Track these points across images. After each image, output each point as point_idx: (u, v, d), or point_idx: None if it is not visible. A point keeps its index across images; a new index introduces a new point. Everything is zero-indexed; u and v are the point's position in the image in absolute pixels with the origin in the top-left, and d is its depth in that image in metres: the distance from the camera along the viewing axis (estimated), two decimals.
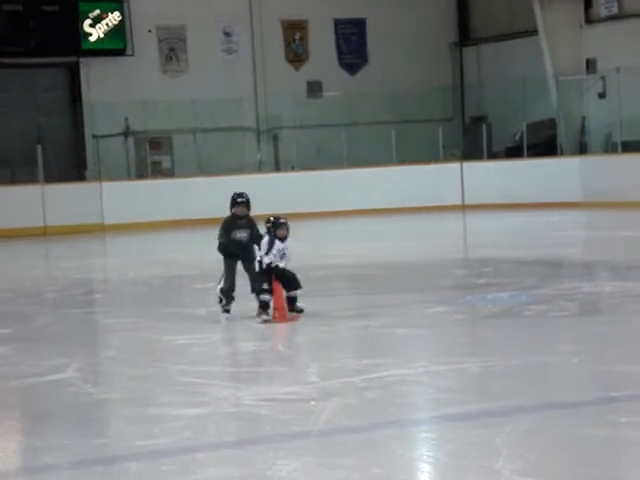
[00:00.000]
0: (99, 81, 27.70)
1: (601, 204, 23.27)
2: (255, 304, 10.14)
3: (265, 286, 10.02)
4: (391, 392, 7.15)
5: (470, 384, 7.38)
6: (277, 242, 10.10)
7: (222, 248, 10.63)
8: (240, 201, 10.60)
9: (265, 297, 10.02)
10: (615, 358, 7.95)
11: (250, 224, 10.62)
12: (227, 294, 10.50)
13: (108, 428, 6.87)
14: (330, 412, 6.65)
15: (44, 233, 24.14)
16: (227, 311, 10.53)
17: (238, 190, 10.82)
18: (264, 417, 6.62)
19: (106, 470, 5.84)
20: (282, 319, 10.00)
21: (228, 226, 10.63)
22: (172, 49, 28.81)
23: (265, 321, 9.95)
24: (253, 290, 10.29)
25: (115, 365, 8.84)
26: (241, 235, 10.51)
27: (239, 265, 10.58)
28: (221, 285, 10.56)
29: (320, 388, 7.42)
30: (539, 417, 6.38)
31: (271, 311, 10.03)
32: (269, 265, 10.03)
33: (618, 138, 24.74)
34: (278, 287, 10.07)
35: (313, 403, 6.92)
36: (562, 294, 11.13)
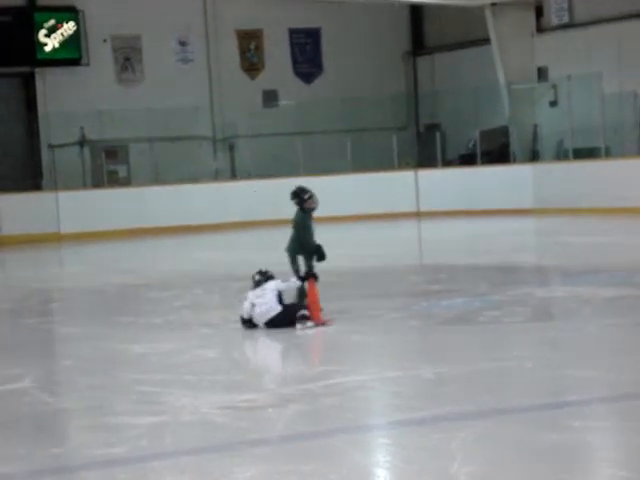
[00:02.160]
0: (54, 91, 27.55)
1: (553, 210, 23.51)
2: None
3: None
4: (347, 398, 7.20)
5: (425, 390, 7.44)
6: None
7: (321, 253, 10.49)
8: (308, 196, 10.62)
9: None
10: (567, 363, 8.05)
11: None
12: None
13: (64, 437, 6.86)
14: (287, 419, 6.69)
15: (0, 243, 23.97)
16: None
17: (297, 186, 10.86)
18: (221, 425, 6.65)
19: (63, 479, 5.84)
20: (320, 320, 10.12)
21: (310, 222, 10.59)
22: (127, 59, 28.72)
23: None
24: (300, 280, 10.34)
25: (72, 374, 8.82)
26: (314, 227, 10.62)
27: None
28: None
29: (277, 395, 7.46)
30: (493, 422, 6.46)
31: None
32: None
33: (570, 145, 25.01)
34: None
35: (270, 410, 6.96)
36: (515, 300, 11.24)
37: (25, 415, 7.31)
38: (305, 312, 9.97)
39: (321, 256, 10.52)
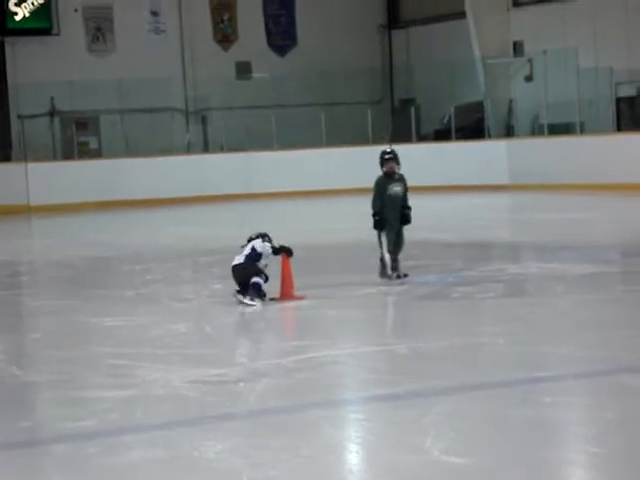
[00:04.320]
0: (25, 61, 27.27)
1: (528, 186, 23.56)
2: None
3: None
4: (320, 373, 7.16)
5: (398, 365, 7.42)
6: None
7: (377, 222, 10.62)
8: (388, 157, 10.48)
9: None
10: (540, 339, 8.05)
11: (402, 179, 10.65)
12: (392, 263, 10.62)
13: (34, 411, 6.79)
14: (259, 393, 6.65)
15: None
16: (405, 275, 10.68)
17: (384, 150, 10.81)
18: (192, 399, 6.59)
19: (32, 452, 5.78)
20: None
21: (382, 183, 10.53)
22: (99, 29, 28.46)
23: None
24: (391, 265, 10.55)
25: (41, 347, 8.74)
26: (396, 189, 10.50)
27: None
28: (385, 256, 10.57)
29: (249, 369, 7.42)
30: (466, 397, 6.44)
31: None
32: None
33: (545, 121, 25.04)
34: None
35: (242, 384, 6.91)
36: (489, 276, 11.23)
37: None
38: (258, 280, 9.85)
39: (374, 224, 10.69)
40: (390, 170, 10.53)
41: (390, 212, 10.66)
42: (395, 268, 10.72)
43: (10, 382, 7.36)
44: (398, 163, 10.65)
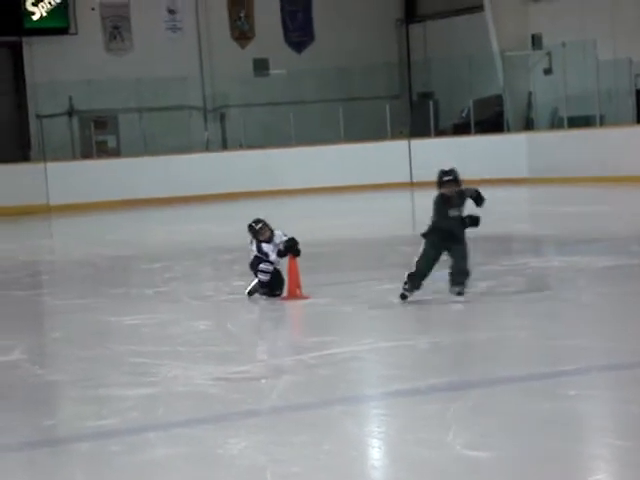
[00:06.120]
0: (42, 60, 27.35)
1: (547, 180, 23.45)
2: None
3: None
4: (341, 369, 7.14)
5: (419, 360, 7.39)
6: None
7: (428, 231, 9.47)
8: (447, 179, 9.34)
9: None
10: (563, 332, 8.01)
11: (460, 197, 9.44)
12: (412, 278, 9.44)
13: (56, 409, 6.81)
14: (281, 390, 6.64)
15: None
16: (403, 296, 9.47)
17: (444, 169, 9.51)
18: (214, 396, 6.59)
19: (55, 451, 5.79)
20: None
21: (441, 205, 9.40)
22: (116, 27, 28.51)
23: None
24: (454, 282, 9.40)
25: (63, 346, 8.75)
26: (454, 214, 9.39)
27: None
28: (412, 270, 9.44)
29: (270, 366, 7.41)
30: (488, 392, 6.42)
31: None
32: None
33: (564, 114, 24.92)
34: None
35: (264, 381, 6.90)
36: (510, 270, 11.19)
37: (16, 387, 7.24)
38: (264, 267, 9.94)
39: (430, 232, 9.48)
40: (450, 194, 9.36)
41: (446, 239, 9.44)
42: (460, 282, 9.48)
43: (32, 381, 7.37)
44: (459, 185, 9.43)
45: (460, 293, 9.40)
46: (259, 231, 10.08)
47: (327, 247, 13.29)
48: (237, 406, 6.32)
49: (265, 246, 10.01)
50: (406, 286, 9.43)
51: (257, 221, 10.15)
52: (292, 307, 9.85)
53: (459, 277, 9.41)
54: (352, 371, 7.16)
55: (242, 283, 10.71)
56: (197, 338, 8.53)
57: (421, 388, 6.49)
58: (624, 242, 13.10)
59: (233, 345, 8.31)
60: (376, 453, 5.46)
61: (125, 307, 10.22)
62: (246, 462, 5.24)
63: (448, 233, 9.37)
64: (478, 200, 9.55)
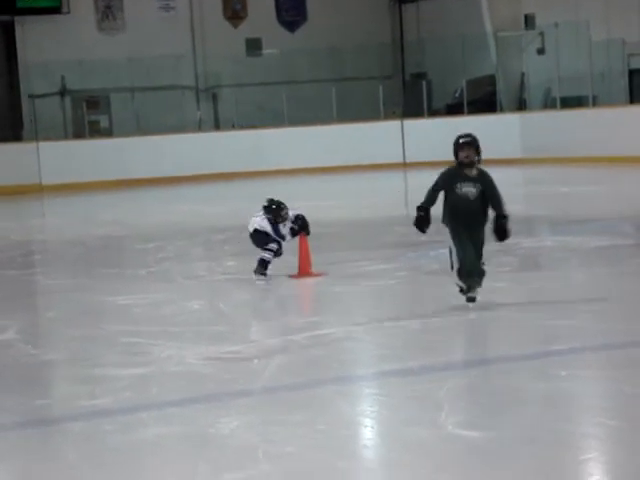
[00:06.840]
0: (35, 40, 27.23)
1: (540, 160, 23.44)
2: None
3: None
4: (333, 349, 7.15)
5: (411, 340, 7.40)
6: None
7: (419, 219, 7.98)
8: (463, 142, 7.88)
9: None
10: (555, 312, 8.01)
11: (482, 177, 7.98)
12: (466, 275, 7.91)
13: (50, 389, 6.82)
14: (273, 370, 6.64)
15: None
16: (472, 299, 8.06)
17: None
18: (207, 376, 6.59)
19: (48, 431, 5.79)
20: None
21: (447, 176, 7.96)
22: (108, 7, 28.37)
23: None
24: (459, 274, 7.94)
25: (56, 326, 8.76)
26: (467, 189, 7.88)
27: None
28: (455, 266, 7.97)
29: (263, 346, 7.41)
30: (480, 371, 6.44)
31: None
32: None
33: (557, 94, 24.89)
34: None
35: (256, 361, 6.90)
36: (503, 249, 11.12)
37: (9, 367, 7.24)
38: (264, 256, 9.91)
39: (415, 220, 8.05)
40: (466, 160, 7.90)
41: (459, 219, 7.97)
42: (470, 288, 8.07)
43: (25, 361, 7.38)
44: (478, 153, 7.96)
45: (472, 299, 8.05)
46: (281, 214, 10.05)
47: (320, 228, 13.25)
48: (230, 386, 6.32)
49: (282, 228, 10.00)
50: (464, 287, 8.01)
51: (280, 204, 10.08)
52: (286, 287, 9.85)
53: (471, 279, 7.95)
54: (345, 351, 7.17)
55: (234, 263, 10.72)
56: (190, 318, 8.54)
57: (414, 368, 6.50)
58: (617, 222, 13.12)
59: (226, 325, 8.31)
60: (369, 433, 5.47)
61: (118, 287, 10.21)
62: (238, 442, 5.25)
63: (463, 212, 7.88)
64: (499, 224, 7.86)
